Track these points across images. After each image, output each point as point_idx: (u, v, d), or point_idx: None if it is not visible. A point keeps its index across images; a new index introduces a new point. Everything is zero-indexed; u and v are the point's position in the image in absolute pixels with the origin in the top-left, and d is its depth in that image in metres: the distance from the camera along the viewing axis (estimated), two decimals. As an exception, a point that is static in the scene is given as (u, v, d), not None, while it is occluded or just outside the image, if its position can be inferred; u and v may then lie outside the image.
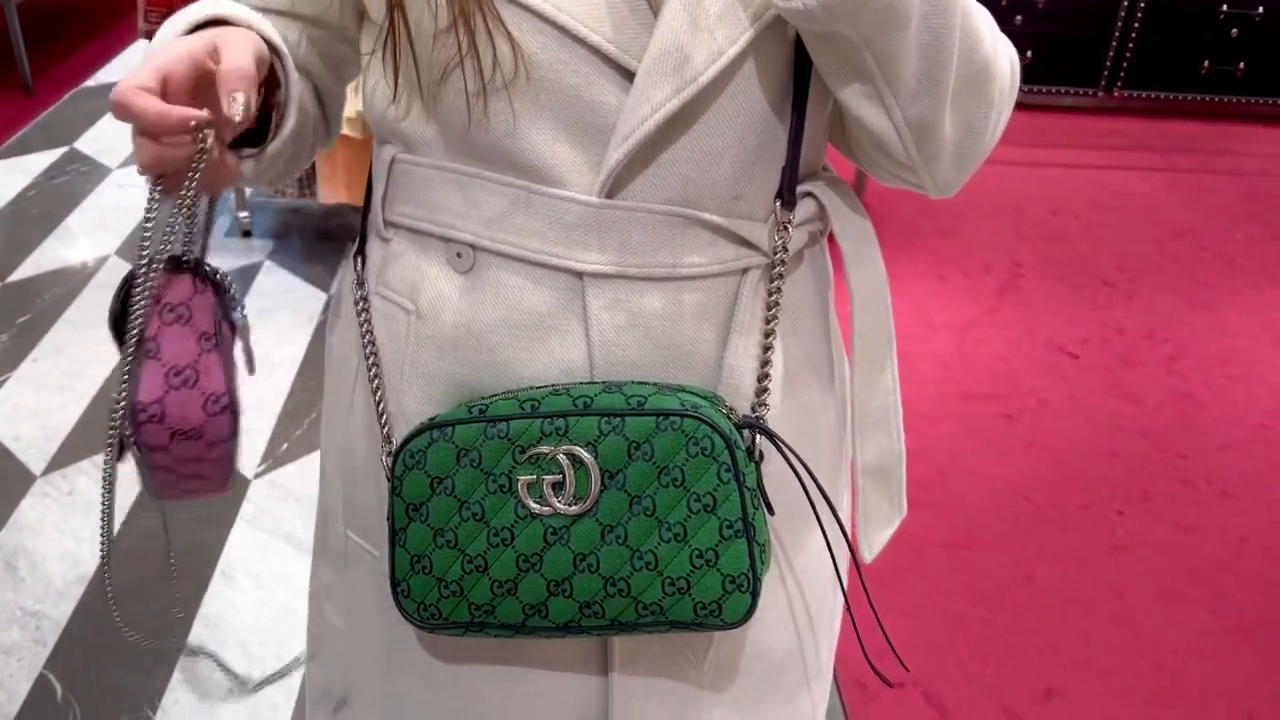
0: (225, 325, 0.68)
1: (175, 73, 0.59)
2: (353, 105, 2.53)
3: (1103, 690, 1.81)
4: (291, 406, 2.38)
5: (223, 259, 2.97)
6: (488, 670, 0.75)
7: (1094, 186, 3.78)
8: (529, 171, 0.64)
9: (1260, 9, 4.09)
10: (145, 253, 0.64)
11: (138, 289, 0.63)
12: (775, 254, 0.68)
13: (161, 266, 0.66)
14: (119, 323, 0.65)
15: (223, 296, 0.69)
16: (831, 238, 0.74)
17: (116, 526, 2.01)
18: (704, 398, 0.65)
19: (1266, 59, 4.20)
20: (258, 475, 2.17)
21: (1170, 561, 2.11)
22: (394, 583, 0.67)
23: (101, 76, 4.23)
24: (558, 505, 0.63)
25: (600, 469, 0.62)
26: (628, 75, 0.61)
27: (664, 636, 0.73)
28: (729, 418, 0.64)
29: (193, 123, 0.59)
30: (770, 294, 0.68)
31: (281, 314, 2.73)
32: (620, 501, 0.63)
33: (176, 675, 1.71)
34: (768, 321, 0.68)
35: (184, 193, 0.61)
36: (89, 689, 1.68)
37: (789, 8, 0.57)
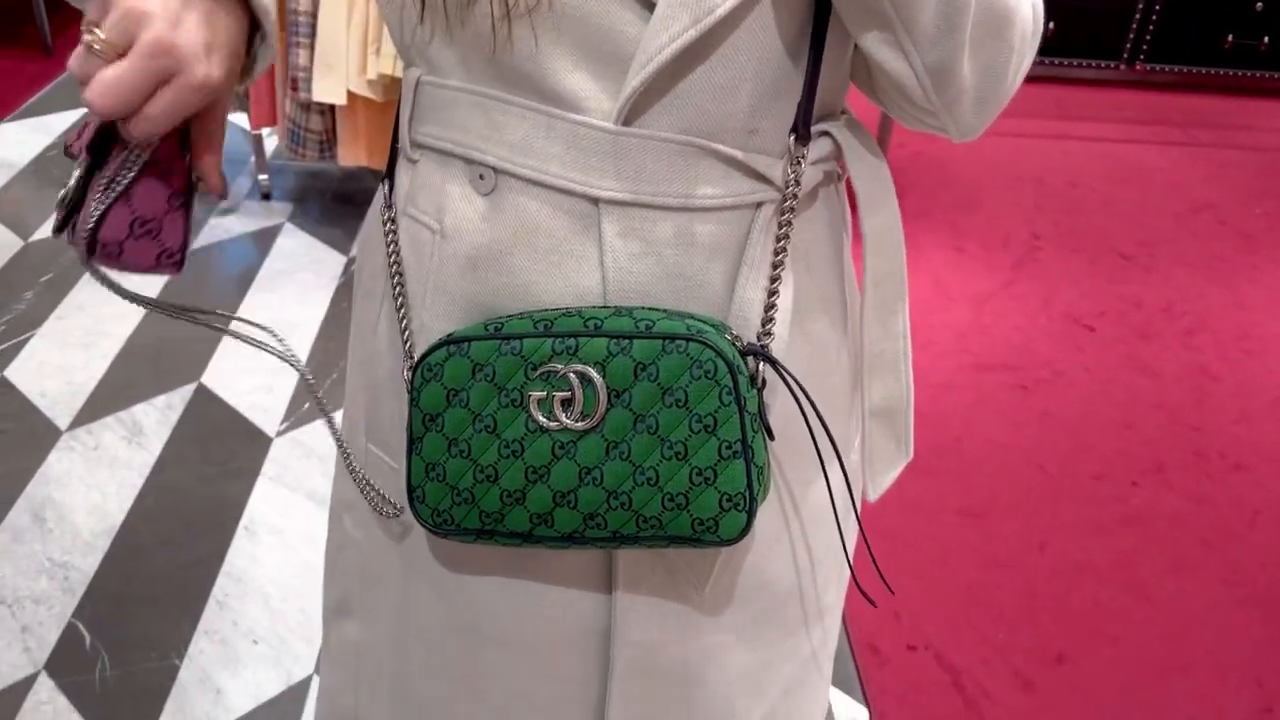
0: (191, 188, 0.70)
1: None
2: (374, 68, 2.53)
3: (1113, 656, 1.83)
4: (313, 366, 2.40)
5: (243, 221, 2.99)
6: (497, 581, 0.77)
7: (1114, 160, 3.77)
8: (550, 97, 0.65)
9: (1286, -18, 4.05)
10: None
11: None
12: (788, 188, 0.69)
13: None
14: (98, 149, 0.65)
15: (187, 159, 0.70)
16: (848, 183, 0.75)
17: (140, 483, 2.04)
18: (711, 325, 0.67)
19: (1291, 33, 4.17)
20: (280, 433, 2.20)
21: (1183, 532, 2.12)
22: (410, 489, 0.69)
23: (121, 38, 4.23)
24: (566, 421, 0.65)
25: (608, 388, 0.64)
26: (648, 6, 0.62)
27: (668, 561, 0.76)
28: (734, 345, 0.66)
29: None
30: (780, 227, 0.69)
31: (302, 275, 2.75)
32: (625, 419, 0.65)
33: (200, 626, 1.75)
34: (777, 255, 0.69)
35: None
36: (116, 637, 1.72)
37: None
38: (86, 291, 2.61)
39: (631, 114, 0.65)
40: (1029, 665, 1.80)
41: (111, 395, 2.27)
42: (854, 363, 0.83)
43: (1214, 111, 4.20)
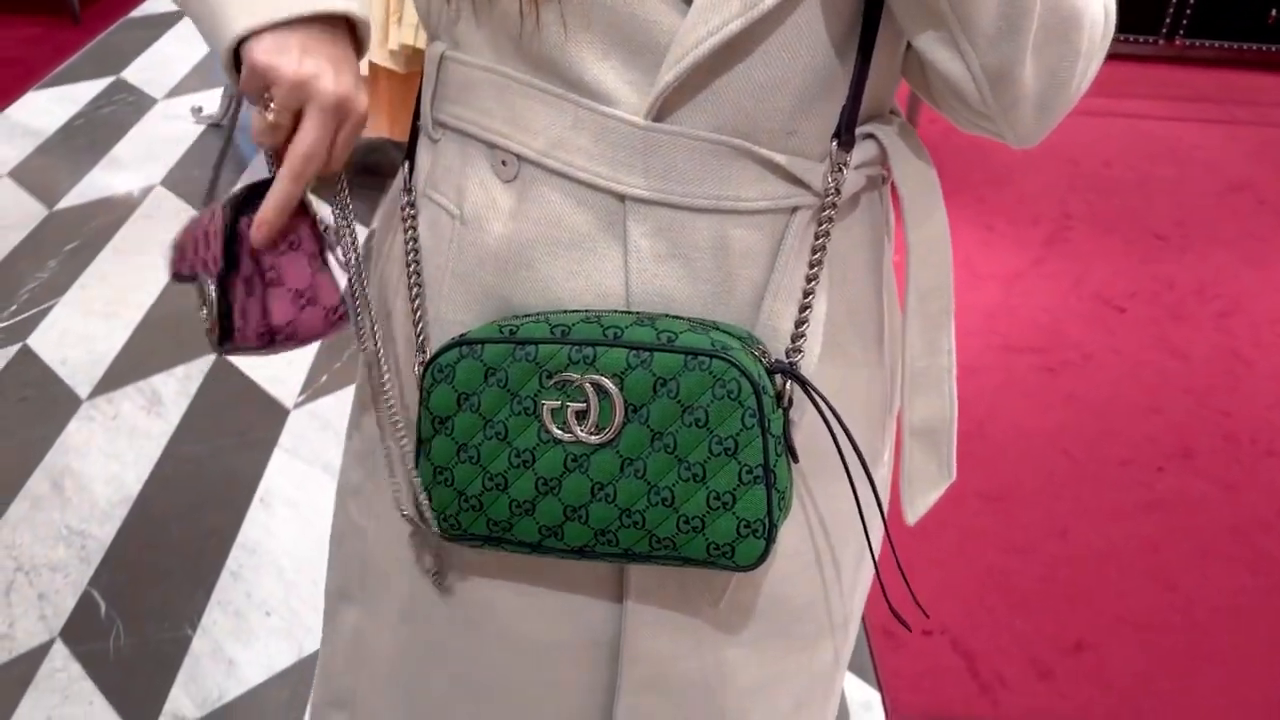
0: (322, 241, 0.72)
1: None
2: (395, 38, 2.51)
3: (1134, 644, 1.80)
4: (330, 340, 2.40)
5: (266, 191, 2.99)
6: (505, 585, 0.75)
7: (1150, 138, 3.68)
8: (578, 86, 0.62)
9: (1335, -45, 3.93)
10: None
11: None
12: (827, 195, 0.65)
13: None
14: (228, 244, 0.68)
15: (311, 217, 0.72)
16: (894, 187, 0.71)
17: (158, 453, 2.05)
18: (737, 338, 0.64)
19: (1338, 8, 4.05)
20: (297, 406, 2.20)
21: (1210, 519, 2.08)
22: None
23: (149, 6, 4.24)
24: (580, 433, 0.63)
25: (625, 401, 0.62)
26: None
27: (681, 574, 0.73)
28: (760, 361, 0.63)
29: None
30: (817, 237, 0.66)
31: (323, 247, 2.74)
32: (642, 436, 0.62)
33: (214, 597, 1.76)
34: (812, 266, 0.66)
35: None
36: (131, 607, 1.73)
37: None
38: (109, 261, 2.62)
39: (664, 109, 0.62)
40: (1047, 652, 1.77)
41: (131, 365, 2.28)
42: (891, 378, 0.80)
43: (1255, 88, 4.09)
